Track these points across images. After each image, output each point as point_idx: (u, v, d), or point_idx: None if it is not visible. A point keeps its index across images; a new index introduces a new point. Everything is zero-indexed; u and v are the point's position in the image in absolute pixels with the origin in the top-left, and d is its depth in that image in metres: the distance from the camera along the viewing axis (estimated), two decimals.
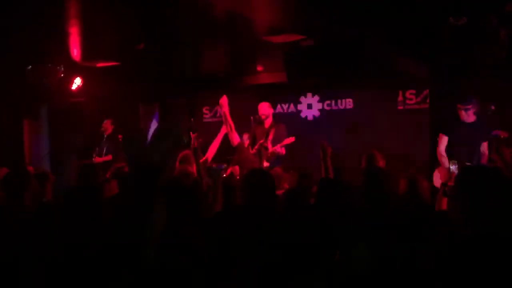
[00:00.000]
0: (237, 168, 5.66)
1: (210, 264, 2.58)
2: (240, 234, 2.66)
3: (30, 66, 6.03)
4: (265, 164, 6.06)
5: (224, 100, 5.92)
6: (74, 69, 6.90)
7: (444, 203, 3.79)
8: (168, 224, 2.66)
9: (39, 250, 2.59)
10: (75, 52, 6.18)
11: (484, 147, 5.50)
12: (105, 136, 7.90)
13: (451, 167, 4.64)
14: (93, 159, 7.52)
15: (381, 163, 4.35)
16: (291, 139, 6.53)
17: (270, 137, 6.66)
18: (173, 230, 2.64)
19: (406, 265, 2.51)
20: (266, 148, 6.04)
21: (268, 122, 6.83)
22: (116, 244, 2.54)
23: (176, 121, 4.04)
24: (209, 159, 5.84)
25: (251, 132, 7.09)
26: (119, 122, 8.75)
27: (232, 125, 5.88)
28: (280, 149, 6.49)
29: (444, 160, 5.61)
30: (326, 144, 4.17)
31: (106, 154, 7.73)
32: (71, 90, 7.22)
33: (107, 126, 7.85)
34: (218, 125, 6.55)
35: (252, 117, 7.16)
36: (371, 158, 4.37)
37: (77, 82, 7.14)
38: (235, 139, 5.93)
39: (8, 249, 2.72)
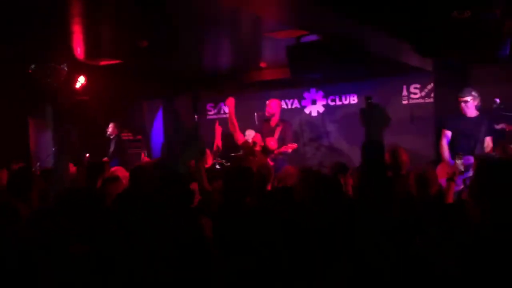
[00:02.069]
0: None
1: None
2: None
3: (34, 66, 6.04)
4: (271, 163, 6.06)
5: (230, 102, 5.97)
6: (78, 68, 6.91)
7: (450, 197, 3.79)
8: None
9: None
10: (79, 51, 6.18)
11: (488, 141, 5.48)
12: (110, 138, 8.29)
13: (457, 161, 4.61)
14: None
15: (404, 157, 4.32)
16: (293, 146, 6.49)
17: (276, 135, 6.65)
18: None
19: (426, 264, 2.48)
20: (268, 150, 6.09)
21: (274, 120, 6.81)
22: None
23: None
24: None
25: (257, 129, 7.08)
26: (123, 119, 8.79)
27: (236, 125, 5.95)
28: (286, 148, 6.46)
29: (447, 154, 5.60)
30: None
31: (110, 156, 7.98)
32: (75, 89, 7.23)
33: (112, 129, 8.28)
34: (221, 122, 6.57)
35: (256, 114, 7.16)
36: (395, 153, 4.34)
37: (81, 80, 7.15)
38: (240, 138, 5.99)
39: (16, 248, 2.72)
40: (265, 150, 5.76)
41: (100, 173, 3.82)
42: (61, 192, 2.96)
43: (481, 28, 4.84)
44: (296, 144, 6.64)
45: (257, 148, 5.78)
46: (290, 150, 6.45)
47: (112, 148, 8.21)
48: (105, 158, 8.07)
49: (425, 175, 3.54)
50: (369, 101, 2.16)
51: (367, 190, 2.58)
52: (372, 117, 2.26)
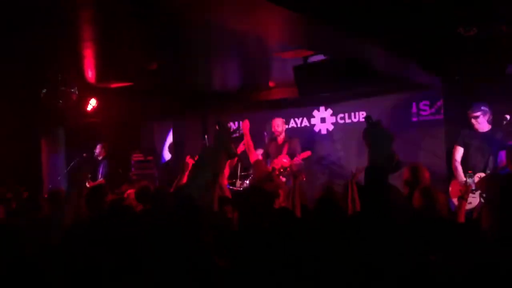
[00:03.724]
0: None
1: None
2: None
3: (45, 90, 6.15)
4: (282, 179, 6.07)
5: (245, 125, 5.99)
6: (89, 90, 7.01)
7: (462, 216, 3.74)
8: None
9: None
10: (90, 74, 6.29)
11: (502, 156, 5.42)
12: (99, 159, 8.13)
13: (468, 180, 4.57)
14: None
15: (426, 174, 4.25)
16: (307, 153, 6.57)
17: (284, 152, 6.70)
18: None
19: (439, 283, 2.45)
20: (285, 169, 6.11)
21: (281, 139, 6.90)
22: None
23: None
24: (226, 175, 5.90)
25: (265, 149, 7.14)
26: (134, 140, 8.85)
27: (251, 145, 5.91)
28: (299, 160, 6.50)
29: (459, 172, 5.54)
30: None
31: (101, 177, 7.91)
32: (87, 111, 7.33)
33: (100, 151, 8.13)
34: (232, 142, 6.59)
35: (265, 132, 7.21)
36: (415, 170, 4.30)
37: (92, 103, 7.26)
38: (253, 156, 5.95)
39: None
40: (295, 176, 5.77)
41: (102, 198, 3.82)
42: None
43: (488, 45, 4.84)
44: (309, 151, 6.69)
45: (276, 172, 5.75)
46: (305, 157, 6.56)
47: (101, 172, 7.99)
48: (102, 180, 7.89)
49: (431, 191, 3.50)
50: (370, 121, 2.16)
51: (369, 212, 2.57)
52: (375, 136, 2.24)
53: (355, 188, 3.81)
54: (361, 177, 3.50)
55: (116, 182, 7.44)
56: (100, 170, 8.03)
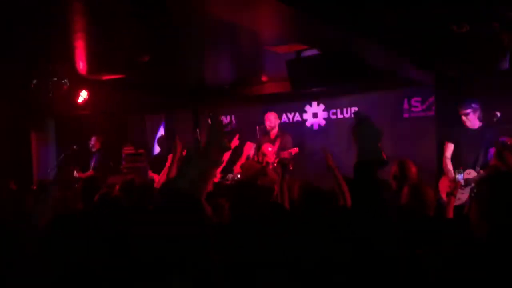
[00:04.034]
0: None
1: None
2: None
3: (35, 81, 6.08)
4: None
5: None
6: (80, 82, 6.95)
7: (450, 212, 3.77)
8: None
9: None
10: (81, 66, 6.23)
11: (492, 153, 5.45)
12: (93, 151, 8.23)
13: (457, 176, 4.60)
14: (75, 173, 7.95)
15: (413, 170, 4.28)
16: (295, 150, 6.61)
17: (276, 146, 6.71)
18: None
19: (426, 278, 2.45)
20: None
21: (274, 133, 6.93)
22: None
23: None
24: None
25: (257, 142, 7.16)
26: (125, 133, 8.82)
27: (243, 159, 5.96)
28: (287, 154, 6.55)
29: (450, 168, 5.58)
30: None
31: (93, 169, 7.97)
32: (78, 103, 7.28)
33: (94, 143, 8.23)
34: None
35: (257, 127, 7.20)
36: (403, 165, 4.32)
37: (83, 95, 7.20)
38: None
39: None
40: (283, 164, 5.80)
41: (96, 190, 3.79)
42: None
43: (480, 42, 4.85)
44: (297, 148, 6.72)
45: (270, 166, 5.74)
46: (292, 153, 6.57)
47: (93, 163, 8.09)
48: (90, 172, 8.01)
49: (420, 187, 3.52)
50: (358, 116, 2.15)
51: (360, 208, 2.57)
52: (363, 132, 2.22)
53: (337, 173, 3.76)
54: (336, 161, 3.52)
55: (106, 175, 7.45)
56: (92, 162, 8.10)
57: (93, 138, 8.22)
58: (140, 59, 5.89)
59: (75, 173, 7.98)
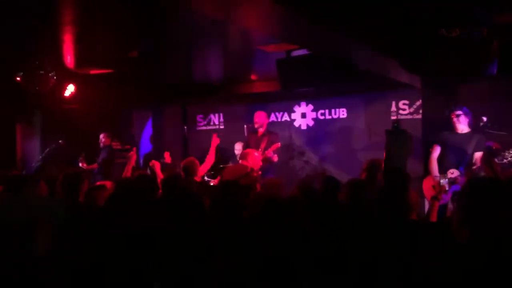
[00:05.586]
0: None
1: None
2: None
3: (22, 73, 6.00)
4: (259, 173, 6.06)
5: (215, 139, 6.03)
6: (68, 76, 6.88)
7: (434, 216, 3.78)
8: None
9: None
10: (69, 59, 6.16)
11: (477, 157, 5.51)
12: (101, 147, 8.33)
13: (441, 181, 4.63)
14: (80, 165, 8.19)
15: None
16: (276, 145, 6.67)
17: (263, 145, 6.72)
18: None
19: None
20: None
21: (261, 131, 6.94)
22: None
23: None
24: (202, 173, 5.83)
25: (245, 140, 7.16)
26: (112, 128, 8.75)
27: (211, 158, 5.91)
28: (272, 155, 6.59)
29: (434, 167, 5.64)
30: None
31: (99, 163, 8.03)
32: (65, 97, 7.21)
33: (105, 139, 8.35)
34: (211, 134, 6.52)
35: (245, 126, 7.19)
36: (372, 166, 4.36)
37: (70, 89, 7.13)
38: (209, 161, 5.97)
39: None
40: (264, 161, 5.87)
41: (78, 185, 3.74)
42: None
43: (469, 47, 4.87)
44: (279, 143, 6.77)
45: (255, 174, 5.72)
46: (276, 159, 6.61)
47: (102, 157, 8.22)
48: (95, 165, 8.25)
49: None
50: (395, 125, 2.18)
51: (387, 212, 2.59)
52: (397, 142, 2.24)
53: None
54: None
55: (110, 169, 7.71)
56: (101, 156, 8.25)
57: (103, 135, 8.35)
58: (129, 53, 5.85)
59: (80, 164, 8.15)
